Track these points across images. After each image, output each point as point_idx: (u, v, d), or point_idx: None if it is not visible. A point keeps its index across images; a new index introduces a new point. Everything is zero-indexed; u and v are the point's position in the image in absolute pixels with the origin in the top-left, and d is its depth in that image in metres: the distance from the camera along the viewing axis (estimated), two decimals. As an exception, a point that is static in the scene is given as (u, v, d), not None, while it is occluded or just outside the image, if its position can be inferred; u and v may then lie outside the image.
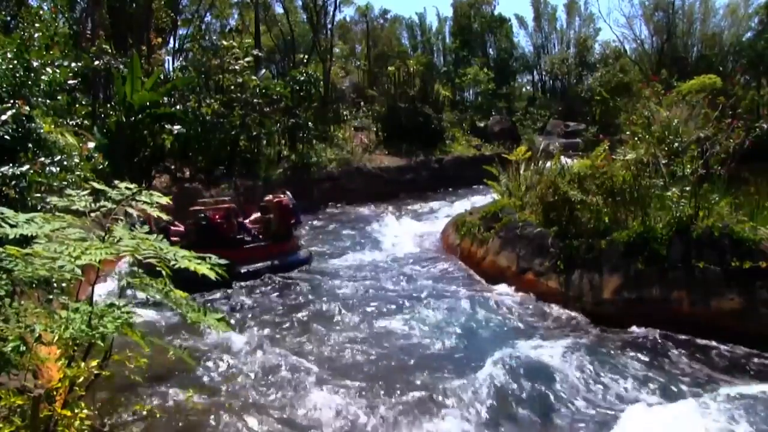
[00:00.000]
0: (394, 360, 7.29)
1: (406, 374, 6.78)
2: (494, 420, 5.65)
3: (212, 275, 3.55)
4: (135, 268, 6.72)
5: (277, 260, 10.88)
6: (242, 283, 10.27)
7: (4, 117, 6.45)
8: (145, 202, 3.79)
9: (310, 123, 21.90)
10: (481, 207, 12.92)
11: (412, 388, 6.27)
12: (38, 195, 6.05)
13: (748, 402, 5.63)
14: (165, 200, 3.85)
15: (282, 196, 11.74)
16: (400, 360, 7.26)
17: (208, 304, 7.77)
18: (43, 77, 7.71)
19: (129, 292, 4.29)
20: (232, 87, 18.53)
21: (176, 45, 26.79)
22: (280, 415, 5.91)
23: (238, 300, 9.63)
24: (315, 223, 17.52)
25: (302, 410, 5.97)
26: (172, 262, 3.39)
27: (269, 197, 11.75)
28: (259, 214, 11.73)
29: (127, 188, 3.81)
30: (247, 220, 11.44)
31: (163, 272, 3.53)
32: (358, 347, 7.65)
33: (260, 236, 11.12)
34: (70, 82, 10.42)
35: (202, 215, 10.22)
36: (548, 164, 12.49)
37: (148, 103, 14.70)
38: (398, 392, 6.20)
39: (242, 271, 10.24)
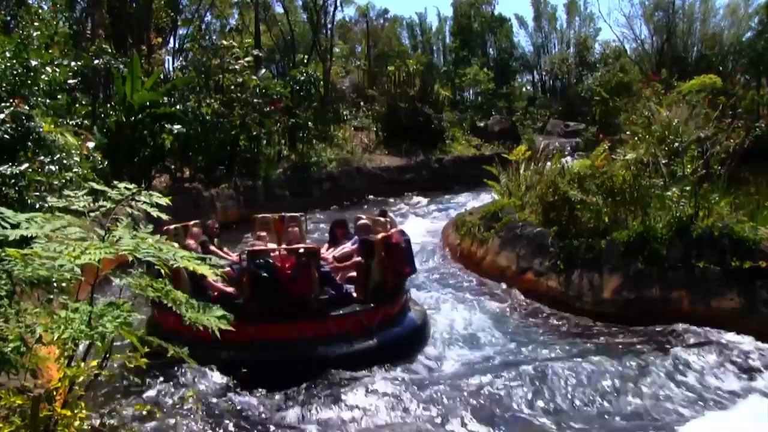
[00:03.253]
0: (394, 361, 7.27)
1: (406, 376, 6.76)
2: (497, 424, 5.61)
3: (212, 275, 3.53)
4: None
5: (381, 335, 6.80)
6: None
7: (1, 116, 6.45)
8: (144, 203, 3.78)
9: (310, 123, 21.89)
10: (481, 207, 12.92)
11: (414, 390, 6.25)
12: (37, 194, 6.05)
13: None
14: (165, 201, 3.84)
15: (383, 219, 8.24)
16: (401, 361, 7.23)
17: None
18: (42, 77, 7.71)
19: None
20: (232, 87, 18.51)
21: (176, 45, 26.80)
22: (280, 414, 5.90)
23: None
24: (315, 223, 17.50)
25: (303, 408, 5.96)
26: (171, 263, 3.38)
27: (364, 220, 8.20)
28: (345, 248, 7.84)
29: (126, 188, 3.80)
30: (329, 261, 7.45)
31: (163, 272, 3.52)
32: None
33: (354, 293, 7.08)
34: (69, 81, 10.39)
35: (263, 261, 6.50)
36: (548, 164, 12.49)
37: (148, 103, 14.69)
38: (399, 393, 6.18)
39: (327, 353, 6.47)
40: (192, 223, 8.15)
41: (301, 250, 6.79)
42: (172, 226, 7.47)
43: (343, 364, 6.37)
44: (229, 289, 6.85)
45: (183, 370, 6.70)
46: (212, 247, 7.86)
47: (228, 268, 7.49)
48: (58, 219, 3.58)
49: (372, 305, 6.89)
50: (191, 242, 7.28)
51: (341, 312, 6.76)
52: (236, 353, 6.06)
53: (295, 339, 6.48)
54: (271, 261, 6.51)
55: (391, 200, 21.24)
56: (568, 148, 22.57)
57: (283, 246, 7.73)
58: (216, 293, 6.70)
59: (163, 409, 5.44)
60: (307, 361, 6.36)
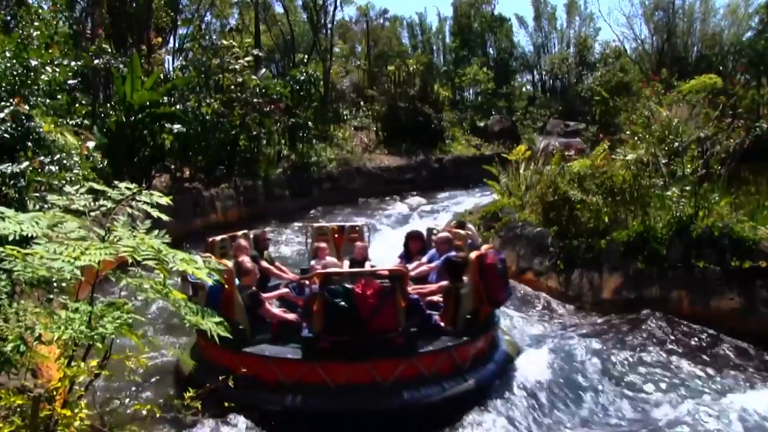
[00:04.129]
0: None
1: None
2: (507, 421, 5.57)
3: (210, 281, 3.53)
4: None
5: (475, 374, 5.79)
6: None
7: (1, 115, 6.44)
8: (145, 202, 3.78)
9: (310, 122, 21.88)
10: (481, 206, 12.92)
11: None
12: (37, 194, 6.04)
13: None
14: (165, 200, 3.84)
15: (464, 232, 7.35)
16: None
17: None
18: (42, 76, 7.69)
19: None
20: (232, 86, 18.49)
21: (176, 44, 26.75)
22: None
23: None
24: (314, 222, 17.50)
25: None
26: (170, 265, 3.37)
27: (444, 234, 7.23)
28: (422, 267, 7.01)
29: (127, 188, 3.80)
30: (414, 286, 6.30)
31: (162, 274, 3.52)
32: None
33: (442, 323, 6.05)
34: (69, 81, 10.38)
35: (340, 288, 5.37)
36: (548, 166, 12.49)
37: (147, 103, 14.67)
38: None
39: (416, 399, 5.39)
40: (240, 233, 7.31)
41: (385, 273, 5.63)
42: (218, 238, 6.99)
43: (434, 411, 5.30)
44: (290, 317, 6.01)
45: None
46: (264, 263, 6.81)
47: (285, 289, 6.76)
48: (57, 217, 3.58)
49: (465, 338, 5.83)
50: (245, 259, 6.21)
51: (431, 348, 5.63)
52: (305, 399, 5.25)
53: (377, 381, 5.35)
54: (350, 287, 5.31)
55: (391, 200, 21.24)
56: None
57: (368, 268, 6.79)
58: (275, 322, 5.90)
59: (163, 409, 5.43)
60: (392, 410, 5.26)
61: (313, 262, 7.26)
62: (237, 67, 18.59)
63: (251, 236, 7.51)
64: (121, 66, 15.23)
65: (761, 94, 25.85)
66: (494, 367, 6.04)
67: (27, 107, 6.78)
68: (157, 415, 3.64)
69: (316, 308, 5.39)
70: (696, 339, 7.32)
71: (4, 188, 5.95)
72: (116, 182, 3.94)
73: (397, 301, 5.38)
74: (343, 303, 5.25)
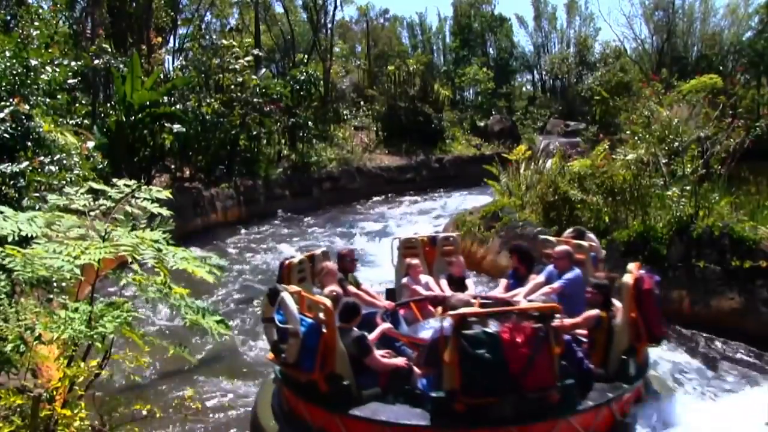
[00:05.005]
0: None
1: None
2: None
3: (211, 279, 3.50)
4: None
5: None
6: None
7: (1, 115, 6.44)
8: (144, 198, 3.77)
9: (310, 122, 21.88)
10: (482, 206, 12.91)
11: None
12: (37, 194, 6.04)
13: None
14: (165, 194, 3.84)
15: (586, 244, 6.17)
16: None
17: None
18: (42, 76, 7.69)
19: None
20: (232, 86, 18.50)
21: (176, 44, 26.75)
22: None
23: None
24: (315, 223, 17.51)
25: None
26: (171, 264, 3.37)
27: (562, 247, 5.97)
28: (544, 289, 5.70)
29: (125, 185, 3.79)
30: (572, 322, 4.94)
31: (162, 272, 3.52)
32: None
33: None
34: (69, 81, 10.38)
35: (483, 335, 4.17)
36: (548, 163, 12.49)
37: (147, 103, 14.68)
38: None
39: None
40: (319, 252, 6.21)
41: (535, 310, 4.37)
42: (294, 259, 5.84)
43: None
44: (399, 362, 4.76)
45: (183, 370, 6.72)
46: (352, 288, 5.69)
47: (386, 324, 5.24)
48: (54, 216, 3.58)
49: (625, 386, 4.70)
50: (334, 288, 5.15)
51: (589, 403, 4.47)
52: None
53: None
54: (494, 333, 4.12)
55: (391, 200, 21.24)
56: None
57: (471, 287, 6.01)
58: (385, 372, 4.65)
59: (163, 409, 5.43)
60: None
61: (405, 281, 6.29)
62: (237, 66, 18.60)
63: (334, 257, 6.29)
64: (121, 66, 15.23)
65: (761, 94, 25.87)
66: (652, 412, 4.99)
67: (27, 107, 6.78)
68: (157, 415, 3.63)
69: (449, 359, 4.08)
70: (696, 338, 7.32)
71: (4, 188, 5.95)
72: (115, 180, 3.93)
73: (552, 347, 4.17)
74: (487, 355, 4.04)
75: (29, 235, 3.38)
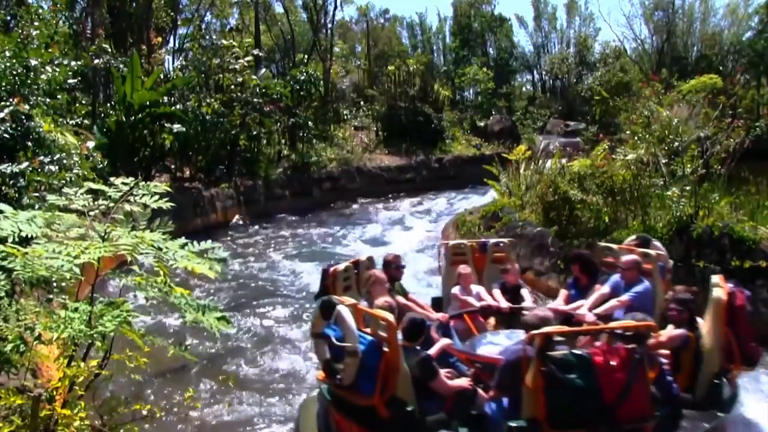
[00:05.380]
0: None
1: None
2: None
3: (212, 274, 3.49)
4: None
5: None
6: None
7: (1, 115, 6.44)
8: (143, 195, 3.77)
9: (310, 122, 21.88)
10: (482, 206, 12.92)
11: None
12: (36, 194, 6.04)
13: None
14: (163, 187, 3.84)
15: (654, 253, 5.79)
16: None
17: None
18: (42, 76, 7.70)
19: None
20: (232, 86, 18.50)
21: (176, 44, 26.74)
22: (283, 412, 5.91)
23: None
24: (315, 222, 17.51)
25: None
26: (171, 262, 3.37)
27: (630, 257, 5.56)
28: (611, 302, 5.30)
29: (124, 183, 3.79)
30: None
31: (162, 272, 3.52)
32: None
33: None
34: (69, 81, 10.38)
35: (572, 357, 3.66)
36: (548, 163, 12.49)
37: (147, 103, 14.68)
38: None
39: None
40: (365, 258, 5.86)
41: (631, 329, 3.86)
42: (340, 267, 5.44)
43: None
44: (463, 383, 4.33)
45: (183, 370, 6.73)
46: (400, 299, 5.19)
47: (445, 340, 4.72)
48: (54, 216, 3.58)
49: (720, 414, 4.25)
50: (387, 299, 4.58)
51: None
52: None
53: None
54: (585, 355, 3.63)
55: (391, 200, 21.24)
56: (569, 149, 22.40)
57: (527, 297, 5.67)
58: (451, 396, 4.24)
59: (163, 409, 5.44)
60: None
61: (455, 290, 5.89)
62: (237, 67, 18.60)
63: (378, 263, 5.86)
64: (121, 66, 15.23)
65: (761, 94, 25.89)
66: None
67: (27, 107, 6.78)
68: (157, 415, 3.63)
69: (533, 384, 3.60)
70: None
71: (4, 188, 5.95)
72: (113, 179, 3.93)
73: (646, 373, 3.72)
74: (579, 380, 3.56)
75: (29, 235, 3.39)
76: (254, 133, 18.84)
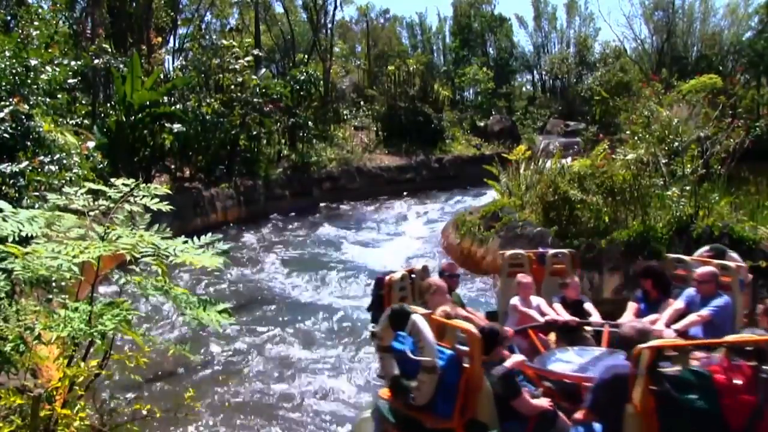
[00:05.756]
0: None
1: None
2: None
3: (215, 264, 3.42)
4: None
5: None
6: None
7: (1, 114, 6.44)
8: (144, 196, 3.77)
9: (310, 122, 21.89)
10: (481, 206, 12.92)
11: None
12: (36, 194, 6.04)
13: None
14: (163, 190, 3.84)
15: (734, 265, 5.54)
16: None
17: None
18: (42, 76, 7.70)
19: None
20: (232, 86, 18.51)
21: (176, 44, 26.76)
22: (282, 413, 5.91)
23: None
24: (315, 222, 17.51)
25: (304, 407, 5.97)
26: (170, 258, 3.36)
27: (706, 269, 5.23)
28: (691, 317, 4.93)
29: (124, 184, 3.79)
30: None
31: (159, 269, 3.51)
32: (362, 347, 7.65)
33: None
34: (69, 81, 10.38)
35: (689, 375, 3.22)
36: (548, 163, 12.50)
37: (147, 103, 14.68)
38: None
39: None
40: (419, 265, 5.65)
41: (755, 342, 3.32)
42: (396, 275, 5.14)
43: None
44: (545, 403, 3.91)
45: (182, 370, 6.73)
46: (459, 310, 4.79)
47: (518, 356, 4.19)
48: (54, 216, 3.58)
49: None
50: (447, 309, 4.35)
51: None
52: None
53: None
54: (705, 373, 3.21)
55: (391, 200, 21.24)
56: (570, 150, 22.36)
57: (592, 311, 5.33)
58: (534, 416, 3.84)
59: (163, 409, 5.44)
60: None
61: (514, 302, 5.49)
62: (237, 67, 18.61)
63: (427, 272, 5.56)
64: (121, 66, 15.24)
65: (761, 94, 25.88)
66: None
67: (27, 107, 6.78)
68: (157, 415, 3.63)
69: (643, 406, 3.17)
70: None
71: (4, 188, 5.96)
72: (113, 180, 3.93)
73: None
74: (699, 402, 3.11)
75: (29, 235, 3.39)
76: (254, 133, 18.85)
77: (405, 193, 22.34)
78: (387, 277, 5.10)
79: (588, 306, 5.56)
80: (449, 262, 5.66)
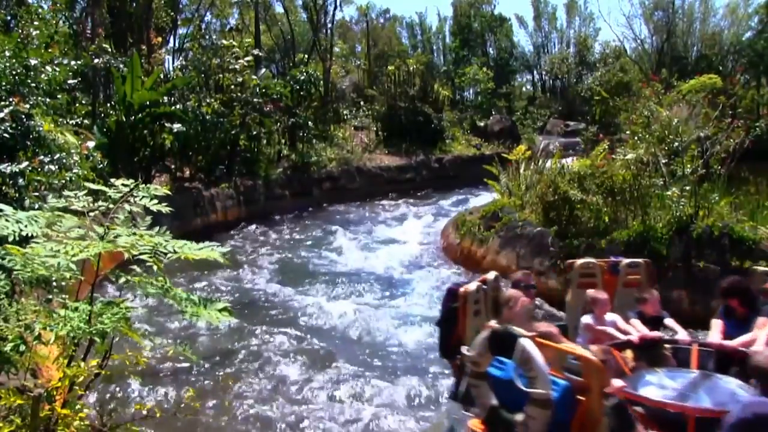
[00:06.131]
0: (403, 364, 7.28)
1: (413, 379, 6.78)
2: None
3: (218, 256, 3.39)
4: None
5: None
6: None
7: (1, 114, 6.44)
8: (143, 197, 3.78)
9: (310, 122, 21.88)
10: (481, 206, 12.92)
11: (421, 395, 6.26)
12: (36, 194, 6.04)
13: None
14: (163, 190, 3.84)
15: None
16: (413, 363, 7.25)
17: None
18: (42, 76, 7.69)
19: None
20: (232, 86, 18.50)
21: (176, 44, 26.75)
22: (281, 413, 5.91)
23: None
24: (315, 222, 17.51)
25: (304, 408, 5.97)
26: (169, 255, 3.36)
27: None
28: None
29: (124, 185, 3.79)
30: None
31: (155, 267, 3.51)
32: (360, 350, 7.65)
33: None
34: (69, 81, 10.38)
35: None
36: (548, 163, 12.50)
37: (147, 103, 14.67)
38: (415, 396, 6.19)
39: None
40: (492, 275, 5.16)
41: None
42: (471, 286, 4.74)
43: None
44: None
45: (183, 370, 6.73)
46: (541, 326, 4.25)
47: (618, 382, 3.78)
48: (54, 216, 3.58)
49: None
50: (549, 327, 4.07)
51: None
52: None
53: None
54: None
55: (391, 199, 21.24)
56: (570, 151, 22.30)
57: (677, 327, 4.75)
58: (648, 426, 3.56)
59: (163, 409, 5.44)
60: None
61: (587, 320, 4.92)
62: (237, 66, 18.59)
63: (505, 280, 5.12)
64: (121, 66, 15.23)
65: (761, 94, 25.87)
66: None
67: (27, 106, 6.77)
68: (157, 415, 3.63)
69: None
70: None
71: (4, 188, 5.95)
72: (113, 180, 3.93)
73: None
74: None
75: (29, 235, 3.39)
76: (254, 133, 18.83)
77: (405, 193, 22.33)
78: (462, 289, 4.69)
79: (670, 322, 4.99)
80: (524, 272, 5.27)
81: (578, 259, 5.81)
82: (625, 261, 5.75)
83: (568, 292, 5.62)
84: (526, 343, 3.25)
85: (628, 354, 4.64)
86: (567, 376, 3.32)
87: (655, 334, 4.71)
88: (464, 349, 3.70)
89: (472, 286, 4.69)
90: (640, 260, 5.85)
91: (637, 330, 4.79)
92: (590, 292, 5.06)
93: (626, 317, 5.00)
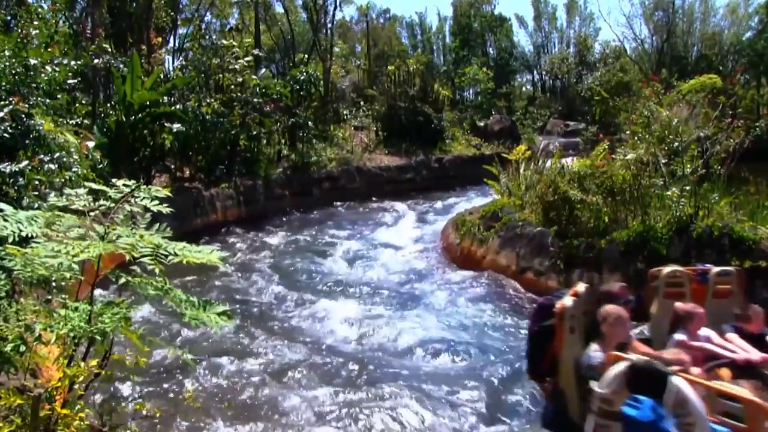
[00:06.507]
0: (402, 364, 7.29)
1: (412, 379, 6.78)
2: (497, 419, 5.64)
3: (215, 260, 3.40)
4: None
5: None
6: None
7: (1, 114, 6.44)
8: (144, 197, 3.77)
9: (310, 122, 21.89)
10: (481, 206, 12.92)
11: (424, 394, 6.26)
12: (36, 194, 6.03)
13: None
14: (164, 192, 3.84)
15: None
16: (413, 366, 7.25)
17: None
18: (42, 76, 7.69)
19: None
20: (232, 86, 18.50)
21: (176, 44, 26.74)
22: (281, 413, 5.91)
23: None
24: (315, 222, 17.51)
25: (304, 408, 5.97)
26: (170, 257, 3.36)
27: None
28: None
29: (125, 185, 3.79)
30: None
31: (156, 269, 3.51)
32: (361, 350, 7.65)
33: None
34: (69, 81, 10.37)
35: None
36: (548, 163, 12.50)
37: (147, 103, 14.67)
38: (409, 396, 6.20)
39: None
40: (582, 287, 4.46)
41: None
42: (568, 301, 4.21)
43: None
44: None
45: (182, 370, 6.73)
46: (641, 346, 4.05)
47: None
48: (54, 216, 3.58)
49: None
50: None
51: None
52: None
53: None
54: None
55: (391, 199, 21.24)
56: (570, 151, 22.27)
57: None
58: None
59: (163, 409, 5.44)
60: None
61: (681, 337, 4.39)
62: (237, 66, 18.60)
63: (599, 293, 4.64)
64: (121, 66, 15.23)
65: (761, 94, 25.87)
66: None
67: (26, 106, 6.77)
68: (157, 415, 3.62)
69: None
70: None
71: (4, 187, 5.95)
72: (114, 180, 3.93)
73: None
74: None
75: (29, 235, 3.39)
76: (254, 133, 18.84)
77: (405, 193, 22.32)
78: (558, 304, 4.15)
79: None
80: (621, 285, 4.68)
81: (664, 267, 5.19)
82: (715, 269, 5.18)
83: (653, 302, 5.06)
84: (681, 383, 2.88)
85: (725, 373, 4.14)
86: (723, 421, 2.94)
87: (765, 356, 4.28)
88: (594, 385, 3.29)
89: (568, 301, 4.17)
90: (731, 268, 5.32)
91: (737, 346, 4.37)
92: (682, 305, 4.56)
93: (719, 331, 4.55)
